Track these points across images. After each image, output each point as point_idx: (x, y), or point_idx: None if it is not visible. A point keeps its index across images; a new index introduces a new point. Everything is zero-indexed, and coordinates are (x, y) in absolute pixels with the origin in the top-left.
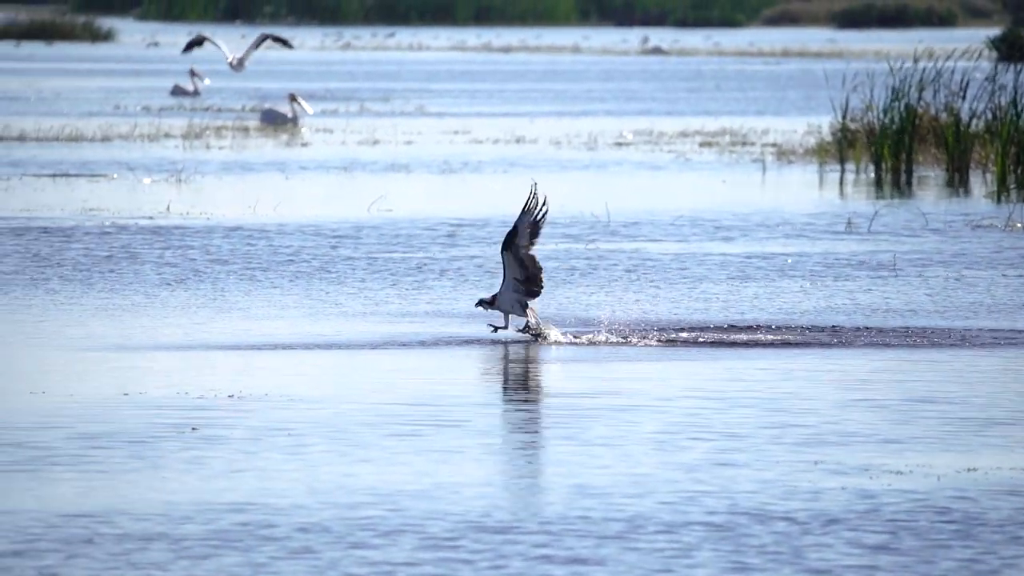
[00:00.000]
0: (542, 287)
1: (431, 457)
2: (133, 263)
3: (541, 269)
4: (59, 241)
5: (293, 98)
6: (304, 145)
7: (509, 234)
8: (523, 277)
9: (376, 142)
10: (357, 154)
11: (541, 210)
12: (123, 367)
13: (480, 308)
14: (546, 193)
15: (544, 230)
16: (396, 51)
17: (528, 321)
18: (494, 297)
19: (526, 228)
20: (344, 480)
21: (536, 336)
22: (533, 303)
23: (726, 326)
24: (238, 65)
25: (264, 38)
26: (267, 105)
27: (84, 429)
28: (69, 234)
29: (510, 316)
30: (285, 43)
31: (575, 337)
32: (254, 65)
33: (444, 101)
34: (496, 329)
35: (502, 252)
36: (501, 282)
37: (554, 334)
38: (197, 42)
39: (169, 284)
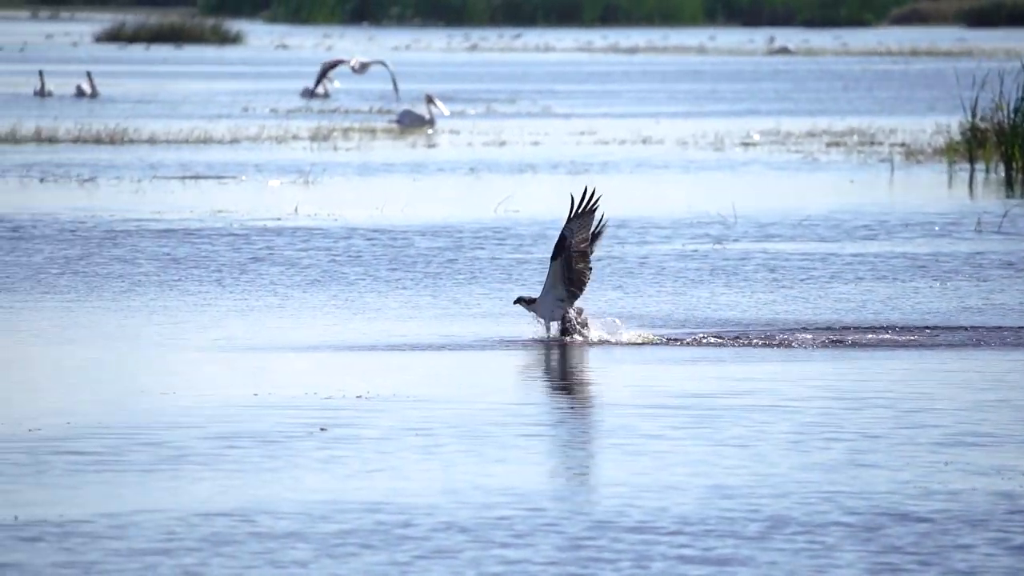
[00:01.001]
0: (583, 290)
1: (563, 457)
2: (267, 264)
3: (591, 269)
4: (194, 242)
5: (430, 99)
6: (431, 146)
7: (559, 243)
8: (566, 287)
9: (503, 143)
10: (484, 155)
11: (596, 211)
12: (254, 367)
13: (518, 306)
14: (600, 194)
15: (660, 231)
16: (522, 52)
17: (567, 318)
18: (534, 299)
19: (583, 230)
20: (479, 479)
21: (568, 334)
22: (578, 303)
23: (858, 326)
24: (360, 69)
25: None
26: (405, 106)
27: (218, 429)
28: (203, 235)
29: (550, 322)
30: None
31: (698, 339)
32: (381, 67)
33: (571, 102)
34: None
35: (551, 260)
36: (544, 286)
37: (595, 333)
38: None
39: (302, 285)
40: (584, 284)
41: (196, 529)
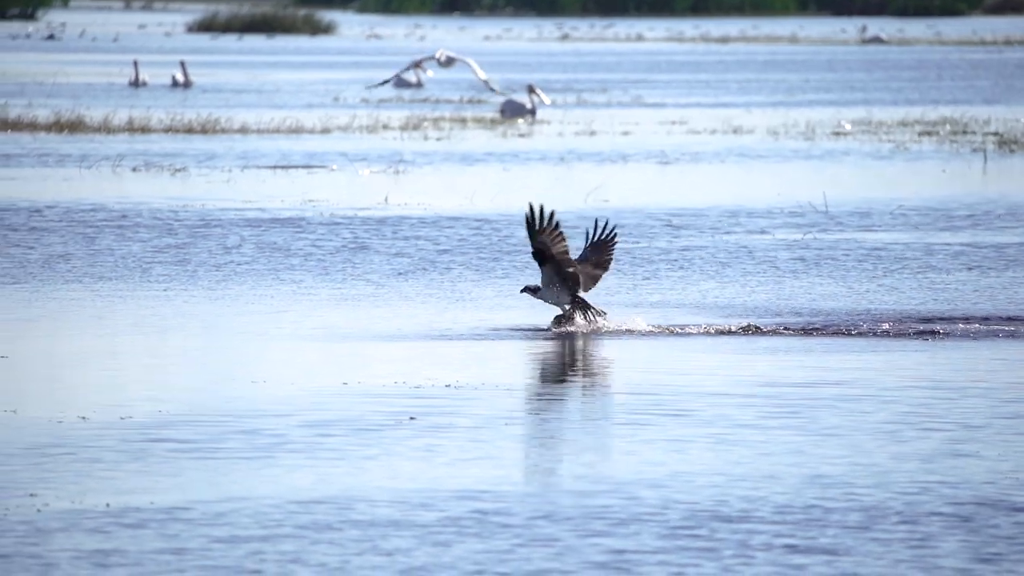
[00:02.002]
0: (580, 286)
1: (659, 446)
2: (362, 253)
3: (605, 267)
4: (288, 231)
5: (532, 89)
6: (522, 136)
7: (537, 256)
8: (564, 284)
9: (593, 133)
10: (574, 145)
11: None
12: (344, 356)
13: (526, 294)
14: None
15: (751, 220)
16: (613, 42)
17: (565, 309)
18: (538, 287)
19: (596, 252)
20: (576, 469)
21: (565, 323)
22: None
23: (952, 316)
24: (447, 62)
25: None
26: (508, 96)
27: (311, 417)
28: (297, 224)
29: (561, 304)
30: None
31: (788, 328)
32: (474, 56)
33: (661, 92)
34: (560, 322)
35: (540, 265)
36: (543, 281)
37: (603, 321)
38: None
39: (397, 274)
40: (579, 283)
41: (295, 517)
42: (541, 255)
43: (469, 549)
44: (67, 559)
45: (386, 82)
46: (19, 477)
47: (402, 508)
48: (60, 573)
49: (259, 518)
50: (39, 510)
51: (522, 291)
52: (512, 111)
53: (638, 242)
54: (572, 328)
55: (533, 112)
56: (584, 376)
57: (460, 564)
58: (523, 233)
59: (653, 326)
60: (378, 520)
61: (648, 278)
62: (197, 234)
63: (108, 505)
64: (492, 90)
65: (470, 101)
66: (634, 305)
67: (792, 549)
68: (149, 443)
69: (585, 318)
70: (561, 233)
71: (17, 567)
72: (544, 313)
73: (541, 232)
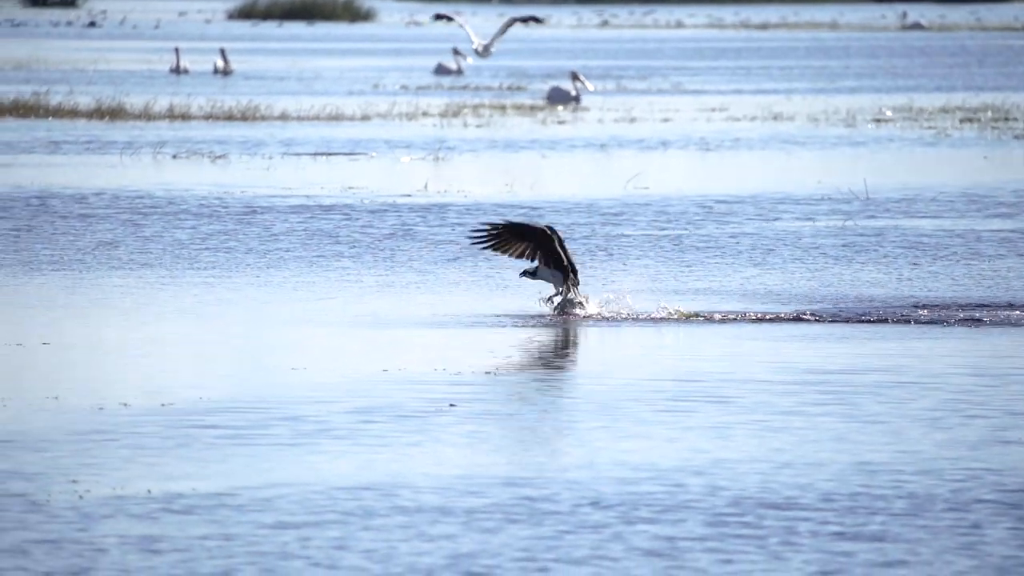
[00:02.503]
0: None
1: (702, 433)
2: (406, 240)
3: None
4: (330, 218)
5: (575, 76)
6: (560, 123)
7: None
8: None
9: (633, 120)
10: (614, 132)
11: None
12: (384, 343)
13: (524, 278)
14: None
15: (793, 207)
16: (654, 29)
17: (560, 292)
18: (536, 269)
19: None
20: (620, 456)
21: (561, 309)
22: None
23: (995, 303)
24: (484, 52)
25: (512, 22)
26: (553, 84)
27: (353, 404)
28: (339, 211)
29: (557, 288)
30: (535, 20)
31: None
32: (513, 43)
33: (701, 79)
34: (550, 299)
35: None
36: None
37: (593, 307)
38: (448, 17)
39: (440, 261)
40: (568, 265)
41: (341, 503)
42: (544, 236)
43: (515, 536)
44: (115, 545)
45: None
46: (63, 463)
47: (447, 495)
48: (109, 559)
49: (305, 504)
50: (81, 496)
51: (521, 275)
52: (557, 98)
53: (685, 229)
54: (573, 311)
55: (577, 99)
56: (624, 363)
57: (507, 551)
58: (568, 219)
59: (690, 313)
60: (424, 506)
61: (691, 265)
62: (241, 221)
63: (153, 491)
64: (479, 54)
65: (510, 88)
66: (677, 292)
67: (839, 536)
68: (193, 430)
69: (575, 297)
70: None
71: (67, 552)
72: (594, 299)
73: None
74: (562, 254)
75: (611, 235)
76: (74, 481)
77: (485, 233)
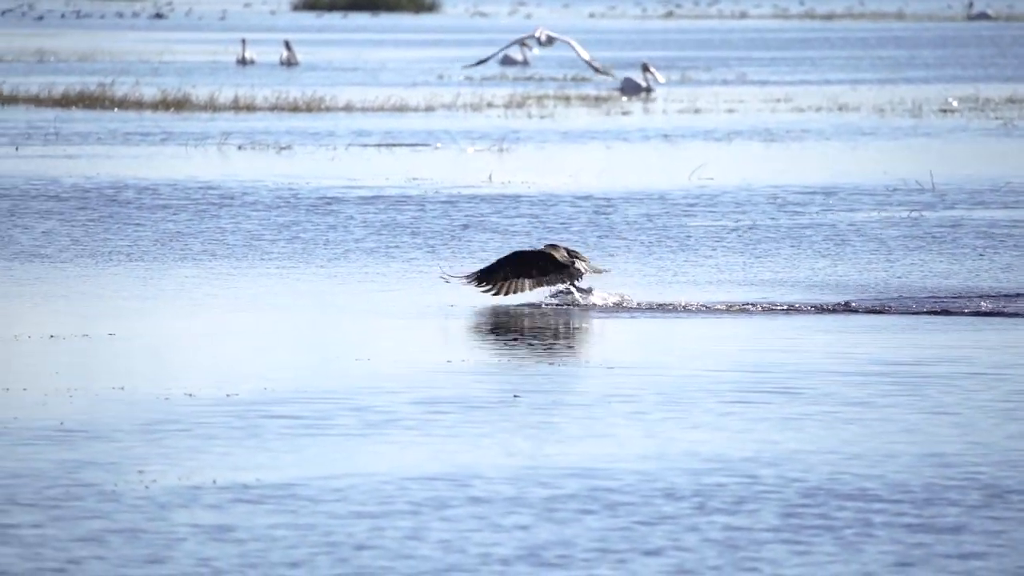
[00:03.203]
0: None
1: (771, 424)
2: (473, 231)
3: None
4: (400, 209)
5: (646, 68)
6: (625, 114)
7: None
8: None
9: (697, 110)
10: (678, 122)
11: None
12: (452, 333)
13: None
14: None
15: (858, 198)
16: (718, 19)
17: (572, 284)
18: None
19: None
20: (690, 447)
21: (570, 296)
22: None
23: None
24: (547, 41)
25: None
26: (625, 75)
27: (420, 394)
28: (410, 203)
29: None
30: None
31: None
32: (579, 34)
33: (766, 69)
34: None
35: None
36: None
37: (597, 297)
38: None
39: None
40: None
41: (412, 493)
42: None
43: (588, 527)
44: (190, 534)
45: (484, 61)
46: (133, 453)
47: (519, 485)
48: (184, 548)
49: (376, 494)
50: (148, 486)
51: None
52: (629, 89)
53: (753, 220)
54: (578, 300)
55: (648, 90)
56: (689, 354)
57: (581, 541)
58: (634, 210)
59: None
60: (496, 497)
61: (760, 256)
62: (311, 212)
63: (224, 481)
64: (596, 70)
65: (574, 79)
66: (747, 283)
67: (914, 528)
68: (260, 420)
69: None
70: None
71: (141, 542)
72: (666, 288)
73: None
74: (558, 257)
75: (679, 226)
76: (145, 471)
77: (489, 281)
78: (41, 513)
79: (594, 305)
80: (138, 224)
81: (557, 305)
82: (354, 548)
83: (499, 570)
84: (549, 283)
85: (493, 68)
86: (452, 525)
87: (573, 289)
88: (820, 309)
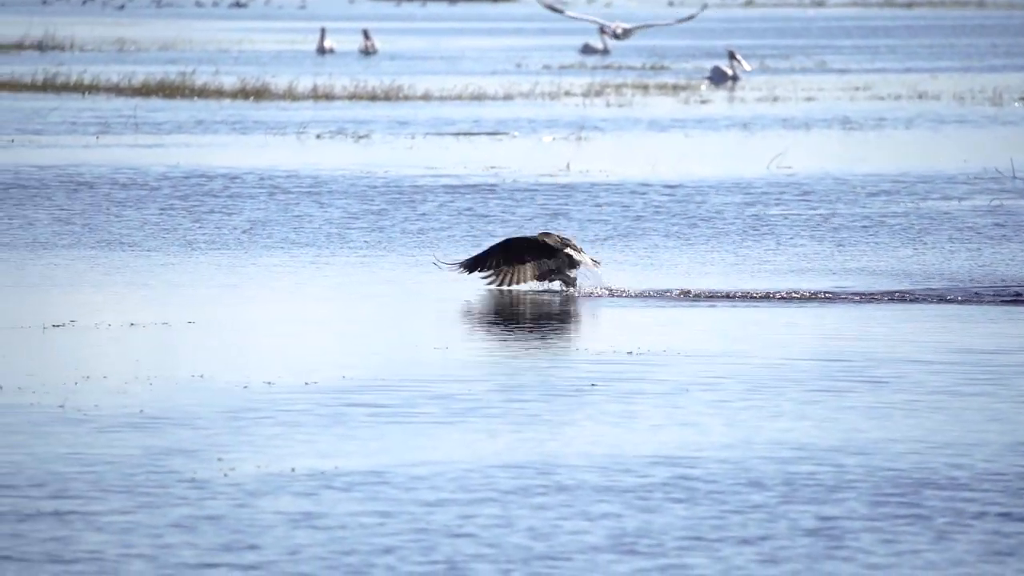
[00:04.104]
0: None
1: (856, 413)
2: (557, 220)
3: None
4: (481, 197)
5: (732, 56)
6: (703, 103)
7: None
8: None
9: (776, 99)
10: (756, 111)
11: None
12: (528, 321)
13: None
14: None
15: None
16: (797, 7)
17: (575, 274)
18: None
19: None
20: (775, 435)
21: (569, 286)
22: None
23: None
24: (624, 35)
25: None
26: (714, 64)
27: (500, 382)
28: (490, 191)
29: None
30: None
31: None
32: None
33: (845, 57)
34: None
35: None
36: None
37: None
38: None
39: (597, 241)
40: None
41: (499, 481)
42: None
43: (678, 515)
44: (278, 522)
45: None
46: (217, 440)
47: (606, 473)
48: (272, 535)
49: (462, 482)
50: (228, 474)
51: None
52: (717, 78)
53: (834, 208)
54: (574, 288)
55: (735, 79)
56: (770, 342)
57: (670, 530)
58: (717, 199)
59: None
60: (583, 485)
61: (843, 245)
62: (391, 201)
63: (309, 469)
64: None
65: (653, 68)
66: (829, 272)
67: (1007, 517)
68: (341, 407)
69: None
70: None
71: (229, 529)
72: (748, 277)
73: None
74: (554, 246)
75: (760, 215)
76: (229, 458)
77: (487, 266)
78: (129, 500)
79: (666, 294)
80: (223, 212)
81: (632, 295)
82: (443, 536)
83: (589, 558)
84: (546, 268)
85: (572, 57)
86: (540, 513)
87: (568, 276)
88: (905, 297)
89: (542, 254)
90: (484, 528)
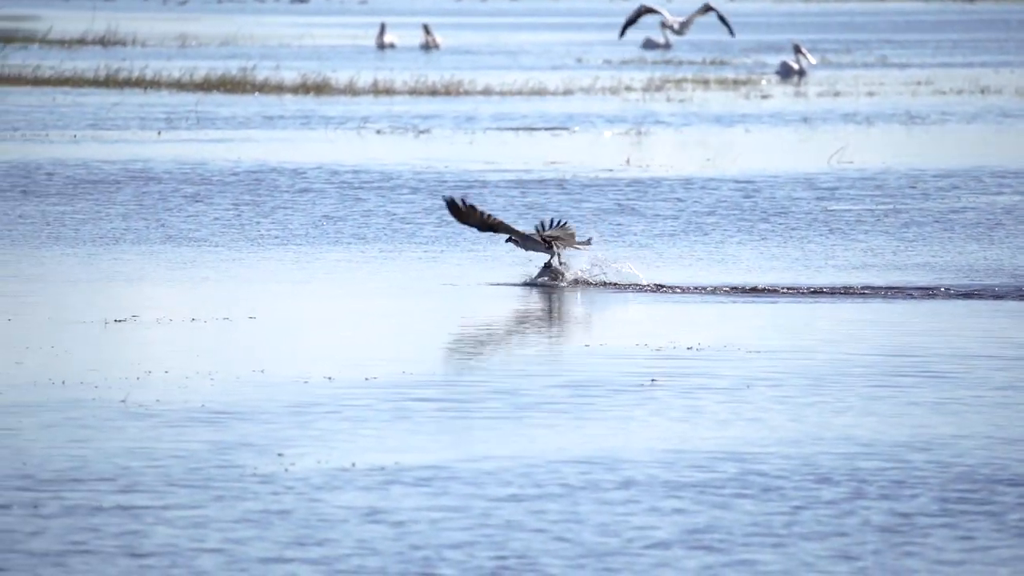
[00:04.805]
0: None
1: (922, 408)
2: (625, 215)
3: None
4: (547, 193)
5: (798, 49)
6: (764, 97)
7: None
8: (521, 238)
9: (837, 93)
10: (817, 106)
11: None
12: (590, 317)
13: (510, 243)
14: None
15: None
16: (859, 2)
17: (550, 261)
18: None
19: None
20: (843, 431)
21: (554, 276)
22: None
23: None
24: (680, 29)
25: (707, 9)
26: (780, 59)
27: (563, 378)
28: (558, 186)
29: (550, 257)
30: (728, 29)
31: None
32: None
33: (907, 52)
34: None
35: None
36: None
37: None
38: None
39: (666, 235)
40: (541, 238)
41: (566, 476)
42: (491, 228)
43: (747, 511)
44: (347, 516)
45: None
46: (282, 435)
47: (673, 468)
48: (342, 529)
49: (530, 477)
50: (291, 469)
51: (507, 241)
52: (784, 73)
53: (900, 203)
54: (560, 279)
55: (801, 73)
56: (832, 337)
57: (740, 526)
58: (779, 193)
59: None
60: (651, 480)
61: (912, 240)
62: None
63: (375, 463)
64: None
65: (713, 62)
66: (896, 267)
67: None
68: (406, 402)
69: (559, 264)
70: (492, 216)
71: (299, 524)
72: (817, 273)
73: (468, 216)
74: (528, 231)
75: (825, 209)
76: (295, 453)
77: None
78: (198, 494)
79: (729, 289)
80: (287, 207)
81: (689, 291)
82: (513, 530)
83: (659, 554)
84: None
85: (633, 51)
86: (608, 508)
87: (553, 264)
88: (969, 293)
89: (527, 245)
90: (554, 523)
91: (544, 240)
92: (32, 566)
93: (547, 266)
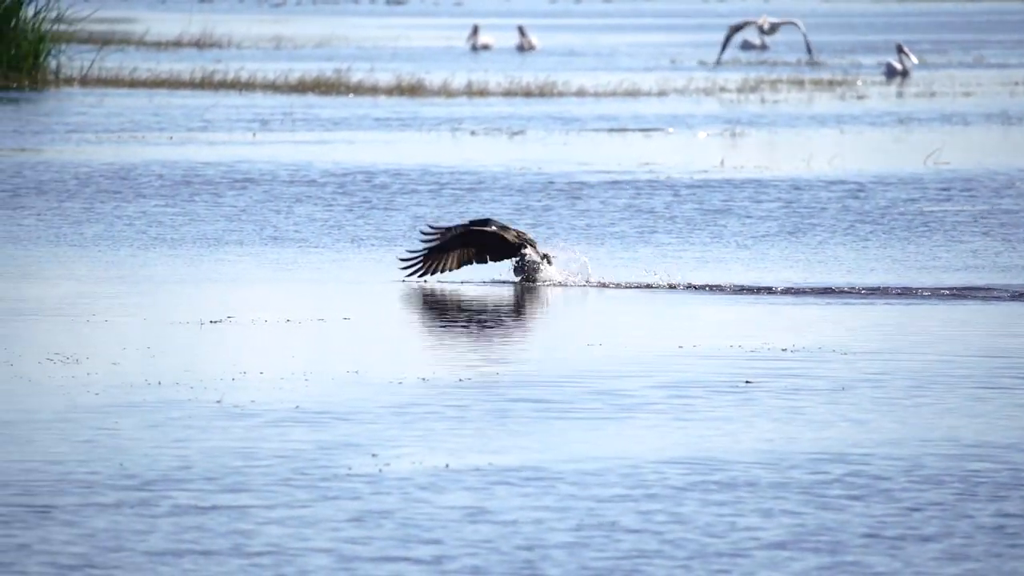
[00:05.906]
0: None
1: (1019, 410)
2: (723, 216)
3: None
4: (642, 194)
5: (900, 49)
6: (859, 98)
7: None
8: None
9: (933, 94)
10: (913, 106)
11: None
12: (685, 318)
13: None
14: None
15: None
16: (951, 2)
17: (526, 253)
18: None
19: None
20: (948, 432)
21: (528, 276)
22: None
23: None
24: (770, 29)
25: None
26: (880, 59)
27: (661, 379)
28: (658, 187)
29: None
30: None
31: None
32: (814, 18)
33: (1004, 52)
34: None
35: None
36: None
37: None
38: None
39: (762, 237)
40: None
41: (671, 477)
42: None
43: (855, 512)
44: (452, 517)
45: (719, 62)
46: (381, 435)
47: (777, 470)
48: (448, 530)
49: (634, 478)
50: (393, 468)
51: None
52: (889, 73)
53: (1005, 205)
54: (538, 279)
55: (905, 73)
56: (934, 339)
57: (849, 527)
58: (882, 195)
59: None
60: (757, 481)
61: (1009, 240)
62: (553, 196)
63: (479, 464)
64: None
65: (808, 64)
66: (998, 268)
67: None
68: (503, 403)
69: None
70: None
71: (404, 523)
72: (911, 273)
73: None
74: (504, 235)
75: (924, 211)
76: (395, 453)
77: (421, 257)
78: (303, 493)
79: (825, 291)
80: (388, 208)
81: (779, 292)
82: (620, 531)
83: (770, 555)
84: (484, 261)
85: (728, 52)
86: (716, 510)
87: (525, 270)
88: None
89: (501, 250)
90: (660, 524)
91: (519, 241)
92: (145, 565)
93: (522, 258)
